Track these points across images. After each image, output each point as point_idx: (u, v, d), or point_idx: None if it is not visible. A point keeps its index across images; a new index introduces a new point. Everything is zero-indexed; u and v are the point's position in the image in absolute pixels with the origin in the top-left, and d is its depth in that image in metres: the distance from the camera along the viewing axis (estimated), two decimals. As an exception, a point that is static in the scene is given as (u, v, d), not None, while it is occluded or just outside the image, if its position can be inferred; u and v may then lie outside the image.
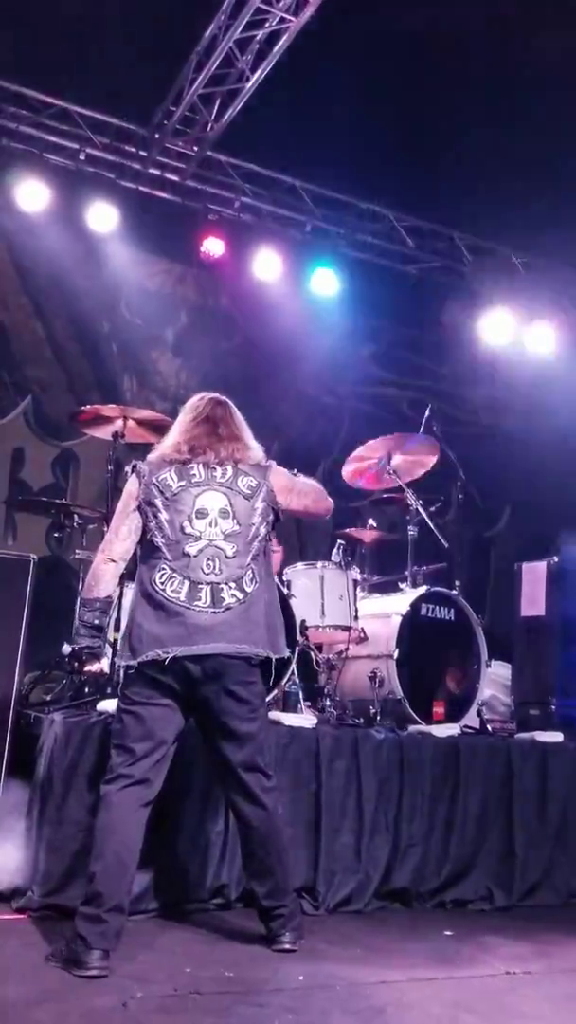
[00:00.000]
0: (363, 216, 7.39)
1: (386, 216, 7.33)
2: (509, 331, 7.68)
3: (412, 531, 5.64)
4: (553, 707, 5.59)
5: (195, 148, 7.13)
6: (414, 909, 4.17)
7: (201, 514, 3.37)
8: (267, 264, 7.29)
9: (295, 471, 3.71)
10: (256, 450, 3.58)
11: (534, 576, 6.12)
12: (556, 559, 6.00)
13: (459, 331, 7.63)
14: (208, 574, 3.32)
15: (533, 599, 6.09)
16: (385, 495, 6.03)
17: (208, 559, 3.33)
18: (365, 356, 7.68)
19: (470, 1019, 2.84)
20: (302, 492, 3.65)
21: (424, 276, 7.55)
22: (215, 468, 3.45)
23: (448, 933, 3.84)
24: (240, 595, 3.33)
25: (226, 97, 6.60)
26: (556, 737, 4.96)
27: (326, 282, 7.14)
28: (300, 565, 5.30)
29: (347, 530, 5.70)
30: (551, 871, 4.52)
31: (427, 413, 5.97)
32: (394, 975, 3.20)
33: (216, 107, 6.70)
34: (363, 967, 3.27)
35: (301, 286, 7.26)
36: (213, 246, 7.23)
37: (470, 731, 5.02)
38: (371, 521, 5.82)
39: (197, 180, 7.44)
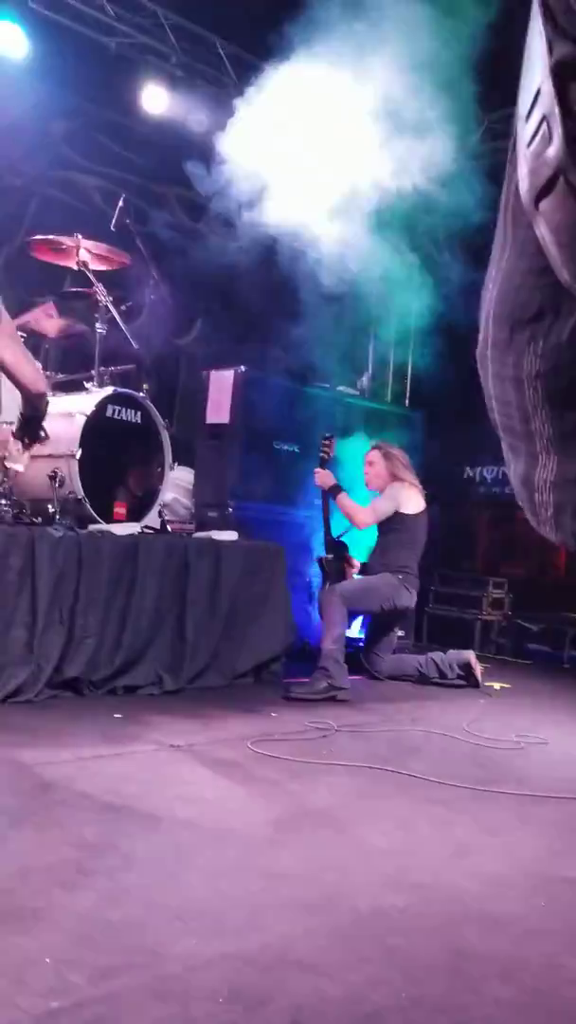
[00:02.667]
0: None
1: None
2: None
3: (101, 329, 5.40)
4: (230, 509, 5.82)
5: None
6: (86, 696, 4.28)
7: None
8: None
9: None
10: None
11: (221, 384, 6.19)
12: (243, 368, 6.09)
13: (162, 120, 7.15)
14: None
15: (219, 407, 6.18)
16: (73, 288, 5.69)
17: None
18: (57, 136, 6.99)
19: (133, 788, 2.99)
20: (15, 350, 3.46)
21: (124, 53, 6.91)
22: None
23: (117, 716, 3.99)
24: None
25: None
26: (231, 536, 5.19)
27: (12, 41, 6.30)
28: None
29: (28, 320, 5.32)
30: (218, 656, 4.83)
31: (120, 204, 5.63)
32: (62, 755, 3.28)
33: None
34: (30, 750, 3.31)
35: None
36: None
37: (150, 531, 5.08)
38: (53, 311, 5.47)
39: None
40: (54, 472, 4.80)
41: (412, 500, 5.51)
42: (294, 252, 6.05)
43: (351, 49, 5.38)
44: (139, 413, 5.26)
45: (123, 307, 5.54)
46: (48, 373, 5.35)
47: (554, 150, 0.74)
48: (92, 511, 4.85)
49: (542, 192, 0.76)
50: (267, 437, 6.12)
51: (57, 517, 4.66)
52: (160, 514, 5.36)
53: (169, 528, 5.40)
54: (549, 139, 0.75)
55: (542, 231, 0.77)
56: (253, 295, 6.64)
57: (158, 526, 5.25)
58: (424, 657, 5.55)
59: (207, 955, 1.87)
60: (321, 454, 5.62)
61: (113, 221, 5.63)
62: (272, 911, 2.13)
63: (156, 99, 7.16)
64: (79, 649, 4.29)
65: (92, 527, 4.74)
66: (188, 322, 7.79)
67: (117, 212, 5.63)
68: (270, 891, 2.24)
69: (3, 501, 4.67)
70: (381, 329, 7.81)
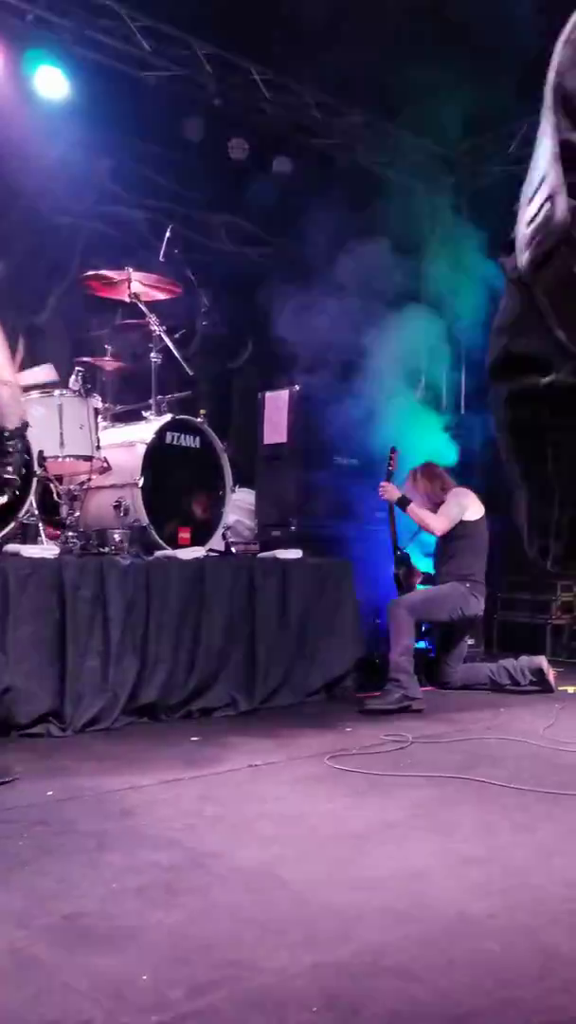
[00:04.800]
0: (93, 11, 6.72)
1: (118, 13, 6.72)
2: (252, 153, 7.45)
3: (156, 359, 5.52)
4: (293, 527, 5.87)
5: None
6: (162, 722, 4.35)
7: None
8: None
9: None
10: None
11: (276, 404, 6.26)
12: (297, 387, 6.15)
13: (203, 150, 7.30)
14: None
15: (275, 426, 6.24)
16: (127, 321, 5.82)
17: None
18: (102, 172, 7.17)
19: (215, 808, 3.03)
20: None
21: (162, 86, 7.08)
22: None
23: (195, 739, 4.05)
24: None
25: None
26: (295, 554, 5.22)
27: (53, 83, 6.48)
28: (35, 394, 5.04)
29: (86, 358, 5.46)
30: (290, 674, 4.86)
31: (167, 235, 5.75)
32: (143, 780, 3.34)
33: None
34: (112, 776, 3.38)
35: (23, 86, 6.55)
36: None
37: (215, 554, 5.15)
38: (110, 348, 5.61)
39: None
40: (118, 502, 4.91)
41: (473, 506, 5.50)
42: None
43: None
44: (198, 438, 5.35)
45: (176, 335, 5.65)
46: (107, 404, 5.47)
47: (558, 220, 0.81)
48: (157, 538, 4.95)
49: (540, 261, 0.83)
50: (325, 453, 6.16)
51: (124, 546, 4.76)
52: (224, 537, 5.43)
53: (234, 550, 5.46)
54: (552, 214, 0.82)
55: (540, 297, 0.85)
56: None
57: (223, 549, 5.31)
58: (496, 665, 5.51)
59: (300, 966, 1.89)
60: (388, 467, 5.66)
61: (162, 252, 5.75)
62: (362, 921, 2.14)
63: (196, 129, 7.30)
64: (153, 675, 4.37)
65: (158, 553, 4.82)
66: (239, 345, 7.90)
67: (165, 242, 5.75)
68: (359, 901, 2.26)
69: (71, 533, 4.80)
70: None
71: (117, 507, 4.89)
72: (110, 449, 5.12)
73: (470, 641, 5.97)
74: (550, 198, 0.82)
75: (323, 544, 5.74)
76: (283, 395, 6.20)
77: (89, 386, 5.15)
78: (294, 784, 3.38)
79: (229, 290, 7.04)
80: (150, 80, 7.04)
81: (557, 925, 2.14)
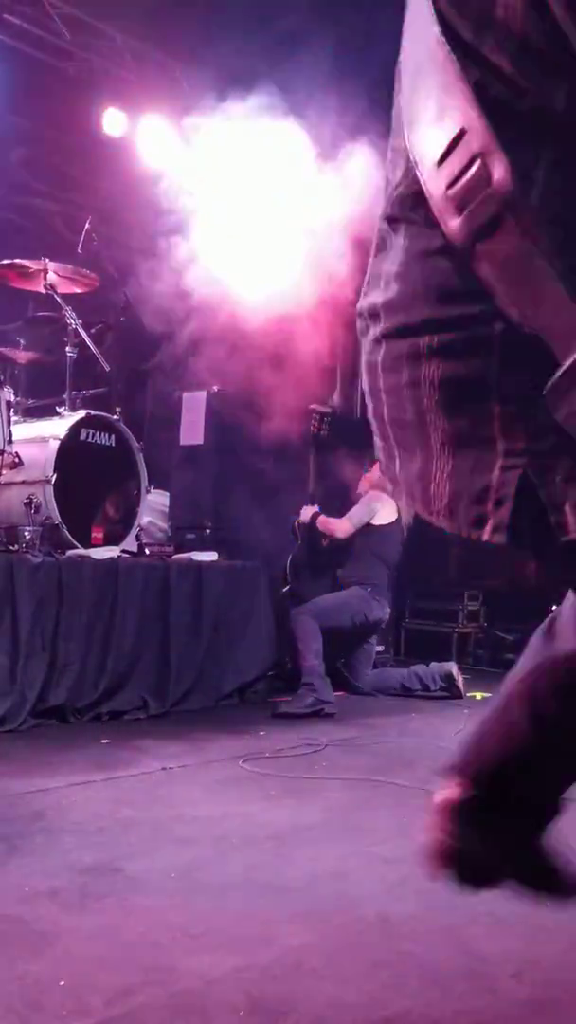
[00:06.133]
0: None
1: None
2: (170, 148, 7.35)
3: (71, 353, 5.40)
4: (208, 530, 5.81)
5: None
6: (71, 724, 4.24)
7: None
8: None
9: None
10: None
11: (194, 405, 6.19)
12: (216, 389, 6.10)
13: (120, 144, 7.18)
14: None
15: (192, 428, 6.18)
16: (41, 313, 5.68)
17: None
18: (15, 161, 6.99)
19: (128, 811, 2.95)
20: None
21: (83, 76, 6.94)
22: None
23: (105, 741, 3.95)
24: None
25: None
26: (211, 556, 5.17)
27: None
28: (-55, 384, 4.87)
29: (-1, 348, 5.31)
30: (202, 677, 4.80)
31: (86, 226, 5.65)
32: (53, 783, 3.23)
33: None
34: (21, 779, 3.26)
35: None
36: None
37: (129, 554, 5.06)
38: (21, 340, 5.46)
39: None
40: (29, 498, 4.76)
41: (385, 510, 5.54)
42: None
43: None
44: (113, 436, 5.25)
45: (92, 330, 5.54)
46: (18, 399, 5.32)
47: (498, 186, 0.74)
48: (69, 536, 4.82)
49: (482, 231, 0.76)
50: (242, 456, 6.12)
51: (35, 543, 4.62)
52: (138, 537, 5.34)
53: (147, 551, 5.38)
54: (488, 177, 0.75)
55: (485, 271, 0.78)
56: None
57: (136, 549, 5.22)
58: (407, 671, 5.56)
59: (222, 970, 1.85)
60: (314, 430, 5.63)
61: (80, 244, 5.64)
62: (281, 924, 2.11)
63: (115, 122, 7.18)
64: (62, 676, 4.25)
65: (71, 552, 4.71)
66: (155, 344, 7.79)
67: (84, 235, 5.64)
68: (277, 904, 2.23)
69: (-22, 530, 4.64)
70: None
71: (28, 504, 4.75)
72: (22, 444, 4.97)
73: (379, 648, 6.01)
74: (479, 156, 0.75)
75: (238, 547, 5.70)
76: (200, 396, 6.14)
77: (1, 378, 5.00)
78: (208, 787, 3.33)
79: (145, 286, 6.94)
80: (69, 70, 6.91)
81: (477, 924, 2.15)
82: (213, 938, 2.00)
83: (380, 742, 4.22)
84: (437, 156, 0.78)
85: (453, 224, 0.78)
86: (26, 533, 4.64)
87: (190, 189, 6.09)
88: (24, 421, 5.28)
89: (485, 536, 0.88)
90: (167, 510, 6.22)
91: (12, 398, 5.09)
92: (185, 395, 6.20)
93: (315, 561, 5.73)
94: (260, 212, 5.67)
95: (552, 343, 0.76)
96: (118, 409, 5.42)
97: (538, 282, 0.75)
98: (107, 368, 5.43)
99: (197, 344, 6.56)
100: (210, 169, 5.71)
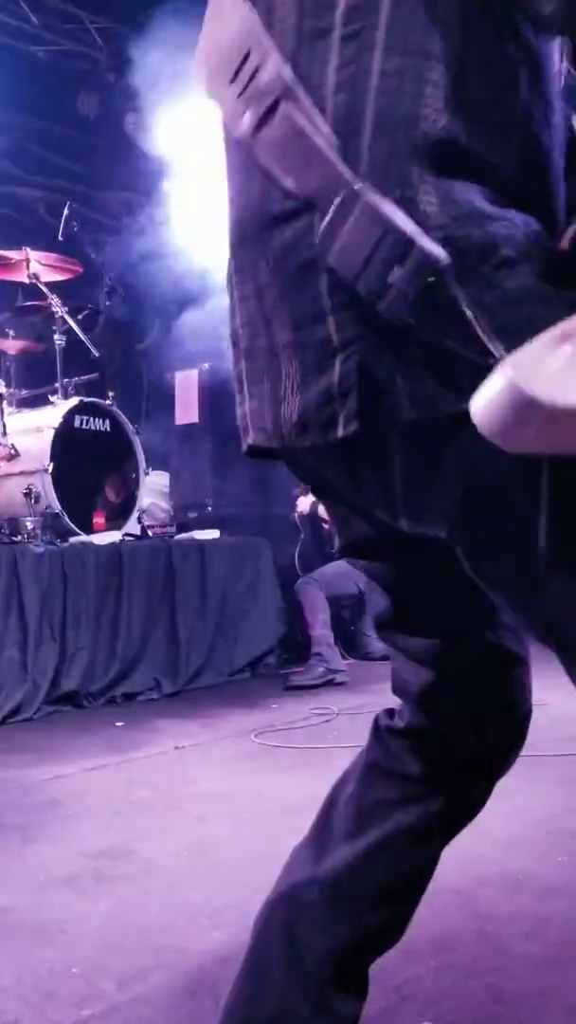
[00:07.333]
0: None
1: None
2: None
3: (60, 341, 5.37)
4: (209, 508, 5.81)
5: None
6: (85, 708, 4.27)
7: None
8: None
9: None
10: None
11: (187, 384, 6.17)
12: (207, 366, 6.07)
13: (98, 127, 7.11)
14: None
15: (187, 407, 6.16)
16: (28, 303, 5.65)
17: None
18: (-5, 150, 6.92)
19: (143, 792, 2.98)
20: None
21: (54, 61, 6.86)
22: None
23: (120, 724, 3.98)
24: None
25: None
26: (213, 534, 5.18)
27: None
28: None
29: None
30: (212, 654, 4.83)
31: (66, 212, 5.60)
32: (68, 769, 3.26)
33: None
34: (36, 767, 3.29)
35: None
36: None
37: (131, 537, 5.07)
38: (11, 331, 5.43)
39: None
40: (28, 489, 4.77)
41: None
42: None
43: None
44: (107, 421, 5.25)
45: (79, 316, 5.51)
46: (11, 390, 5.31)
47: (267, 81, 0.87)
48: (71, 524, 4.84)
49: (260, 123, 0.88)
50: (238, 432, 6.09)
51: (37, 533, 4.64)
52: (139, 520, 5.35)
53: (150, 533, 5.39)
54: (259, 78, 0.87)
55: (264, 157, 0.89)
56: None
57: (139, 532, 5.23)
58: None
59: (236, 948, 1.86)
60: None
61: (60, 230, 5.60)
62: (295, 896, 2.13)
63: (89, 105, 7.10)
64: (73, 662, 4.28)
65: (73, 539, 4.72)
66: (144, 326, 7.75)
67: (63, 221, 5.60)
68: (290, 877, 2.24)
69: (-21, 523, 4.65)
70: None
71: (27, 494, 4.76)
72: (16, 435, 4.97)
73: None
74: (260, 65, 0.88)
75: (240, 524, 5.70)
76: (193, 375, 6.11)
77: (-9, 371, 5.00)
78: (222, 763, 3.35)
79: (132, 268, 6.89)
80: (40, 55, 6.82)
81: (489, 886, 2.17)
82: (226, 916, 2.02)
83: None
84: (229, 76, 0.90)
85: (244, 122, 0.89)
86: (28, 524, 4.66)
87: (173, 168, 6.05)
88: (17, 412, 5.27)
89: (340, 432, 0.88)
90: (168, 490, 6.21)
91: (3, 389, 5.08)
92: (178, 375, 6.17)
93: (323, 550, 5.70)
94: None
95: (317, 203, 0.84)
96: (111, 393, 5.40)
97: (308, 151, 0.84)
98: (96, 354, 5.41)
99: (186, 323, 6.54)
100: (193, 145, 5.68)
